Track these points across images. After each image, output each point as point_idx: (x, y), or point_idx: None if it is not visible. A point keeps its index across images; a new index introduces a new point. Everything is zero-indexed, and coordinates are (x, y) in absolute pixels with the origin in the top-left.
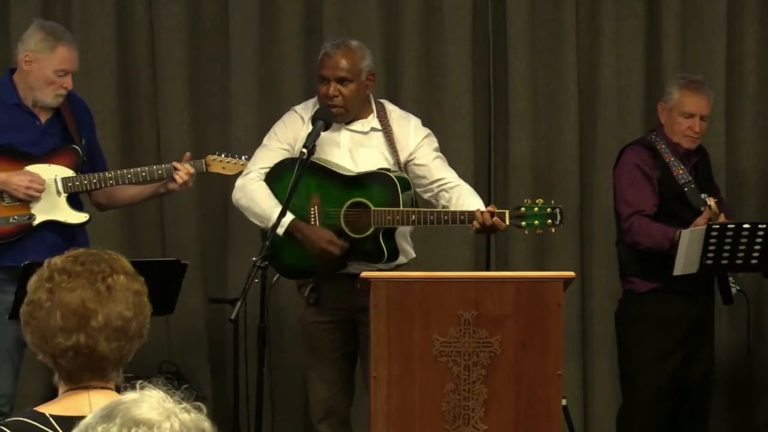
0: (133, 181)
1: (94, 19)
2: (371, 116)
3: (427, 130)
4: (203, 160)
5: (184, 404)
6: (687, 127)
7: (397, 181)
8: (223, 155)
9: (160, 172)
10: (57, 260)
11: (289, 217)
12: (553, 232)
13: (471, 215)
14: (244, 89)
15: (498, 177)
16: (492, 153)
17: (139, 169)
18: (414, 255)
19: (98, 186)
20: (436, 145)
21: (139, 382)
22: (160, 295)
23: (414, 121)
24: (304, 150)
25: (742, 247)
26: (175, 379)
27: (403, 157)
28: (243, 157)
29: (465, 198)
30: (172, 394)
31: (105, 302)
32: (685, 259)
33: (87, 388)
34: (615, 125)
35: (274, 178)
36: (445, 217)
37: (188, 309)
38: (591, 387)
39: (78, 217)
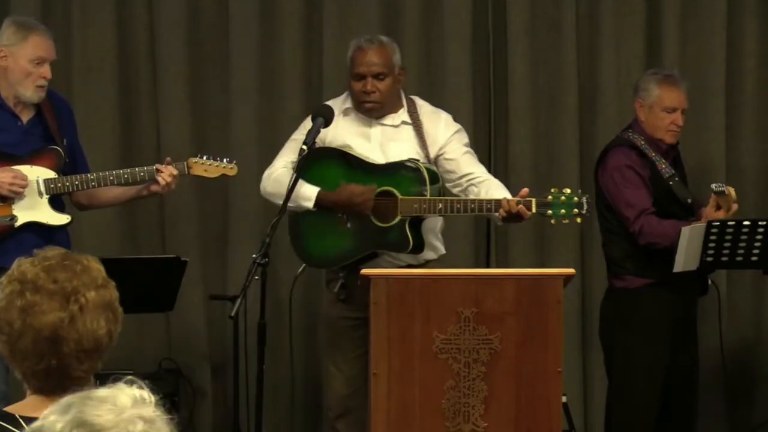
0: (115, 182)
1: (94, 17)
2: (402, 110)
3: (457, 125)
4: (185, 163)
5: (156, 412)
6: (670, 122)
7: (425, 172)
8: (204, 158)
9: (142, 174)
10: (28, 270)
11: (314, 189)
12: (579, 222)
13: (498, 203)
14: (243, 87)
15: (498, 175)
16: (492, 151)
17: (121, 171)
18: (444, 251)
19: (80, 188)
20: (466, 140)
21: (128, 377)
22: (160, 292)
23: (444, 116)
24: (304, 147)
25: (742, 244)
26: (176, 376)
27: (433, 152)
28: (224, 160)
29: (493, 191)
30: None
31: (77, 324)
32: (686, 256)
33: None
34: (615, 124)
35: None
36: (472, 206)
37: (188, 306)
38: (591, 384)
39: (60, 219)
